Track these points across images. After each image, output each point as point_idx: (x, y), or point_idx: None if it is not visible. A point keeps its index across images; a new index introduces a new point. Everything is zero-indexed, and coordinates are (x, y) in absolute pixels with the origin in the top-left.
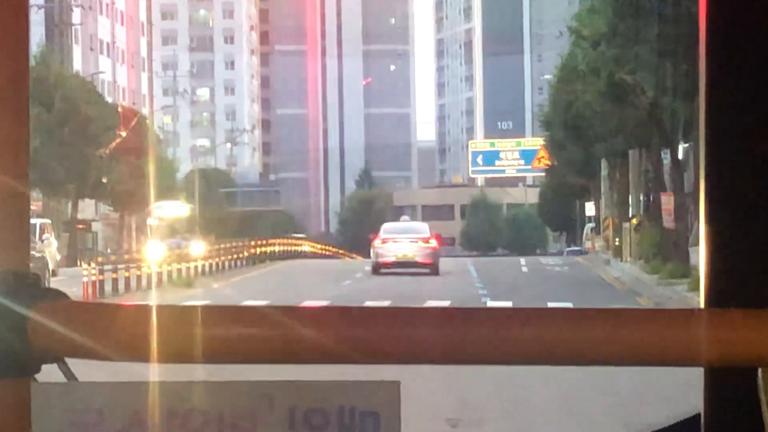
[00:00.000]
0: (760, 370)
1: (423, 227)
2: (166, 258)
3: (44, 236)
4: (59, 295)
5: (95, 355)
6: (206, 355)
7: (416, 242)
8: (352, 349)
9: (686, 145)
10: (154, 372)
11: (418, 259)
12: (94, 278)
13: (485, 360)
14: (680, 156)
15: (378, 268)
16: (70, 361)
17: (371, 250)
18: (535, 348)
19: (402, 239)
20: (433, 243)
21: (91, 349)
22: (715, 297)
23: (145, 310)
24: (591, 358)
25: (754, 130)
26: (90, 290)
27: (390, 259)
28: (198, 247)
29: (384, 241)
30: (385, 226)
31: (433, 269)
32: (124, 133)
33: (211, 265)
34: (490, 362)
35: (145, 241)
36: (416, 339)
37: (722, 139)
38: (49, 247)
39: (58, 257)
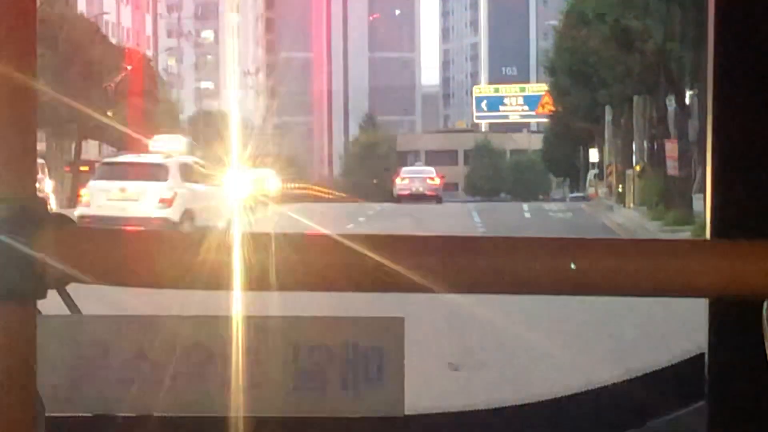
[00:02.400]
0: (765, 303)
1: (430, 170)
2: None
3: (38, 177)
4: (66, 220)
5: (103, 280)
6: (212, 281)
7: (425, 181)
8: (355, 278)
9: (692, 92)
10: (158, 306)
11: (426, 192)
12: None
13: (490, 289)
14: (681, 104)
15: (399, 199)
16: (77, 293)
17: (393, 187)
18: (539, 277)
19: (415, 178)
20: (437, 181)
21: (98, 274)
22: (721, 228)
23: (152, 235)
24: (594, 288)
25: (760, 74)
26: None
27: (407, 192)
28: None
29: (403, 179)
30: (404, 169)
31: (437, 199)
32: (130, 67)
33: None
34: (495, 291)
35: None
36: (423, 267)
37: (729, 82)
38: (41, 189)
39: (53, 198)
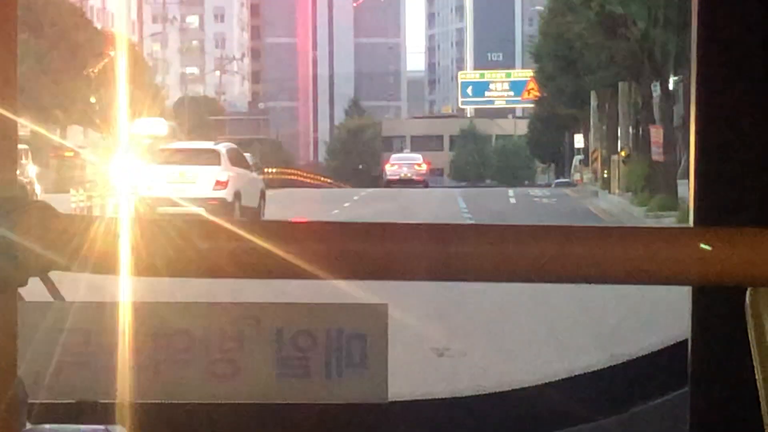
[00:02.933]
0: (748, 291)
1: (418, 157)
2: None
3: (22, 162)
4: (47, 208)
5: (83, 268)
6: (195, 268)
7: (413, 166)
8: (336, 265)
9: (676, 77)
10: (142, 292)
11: (414, 177)
12: (82, 204)
13: (475, 277)
14: (665, 89)
15: (388, 183)
16: (58, 279)
17: (383, 172)
18: (522, 265)
19: (404, 164)
20: (424, 167)
21: (78, 261)
22: (704, 216)
23: (134, 222)
24: (577, 275)
25: (743, 60)
26: None
27: (396, 177)
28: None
29: (392, 165)
30: (393, 156)
31: (424, 184)
32: (113, 53)
33: None
34: (480, 279)
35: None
36: (407, 255)
37: (713, 68)
38: (22, 175)
39: (37, 184)
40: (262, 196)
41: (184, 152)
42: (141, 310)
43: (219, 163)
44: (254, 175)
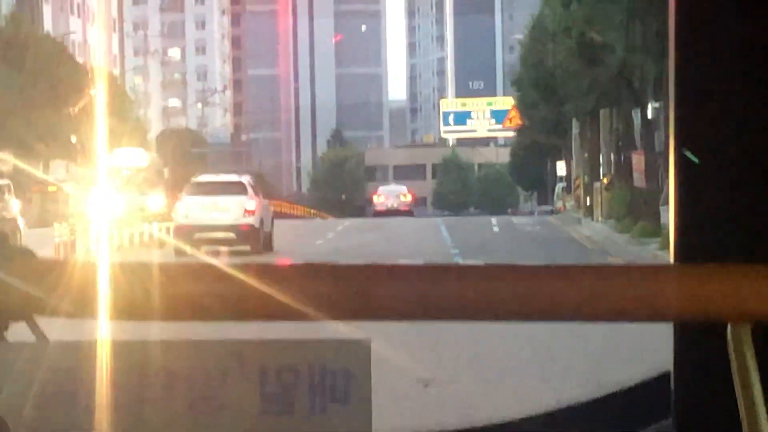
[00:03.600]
0: (729, 325)
1: (403, 188)
2: (130, 216)
3: (5, 197)
4: (27, 253)
5: (63, 313)
6: (173, 312)
7: (398, 197)
8: (322, 307)
9: (657, 104)
10: (123, 331)
11: (400, 208)
12: (66, 239)
13: (457, 316)
14: (650, 116)
15: (376, 213)
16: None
17: (371, 203)
18: (505, 304)
19: (390, 195)
20: (409, 198)
21: (58, 306)
22: (685, 252)
23: (113, 267)
24: (560, 313)
25: (722, 88)
26: (62, 251)
27: (383, 208)
28: (161, 203)
29: (379, 196)
30: (380, 188)
31: (409, 213)
32: (93, 91)
33: None
34: (463, 319)
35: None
36: (388, 296)
37: (691, 97)
38: (5, 210)
39: (21, 219)
40: (272, 221)
41: (214, 184)
42: (123, 348)
43: (246, 193)
44: (266, 202)
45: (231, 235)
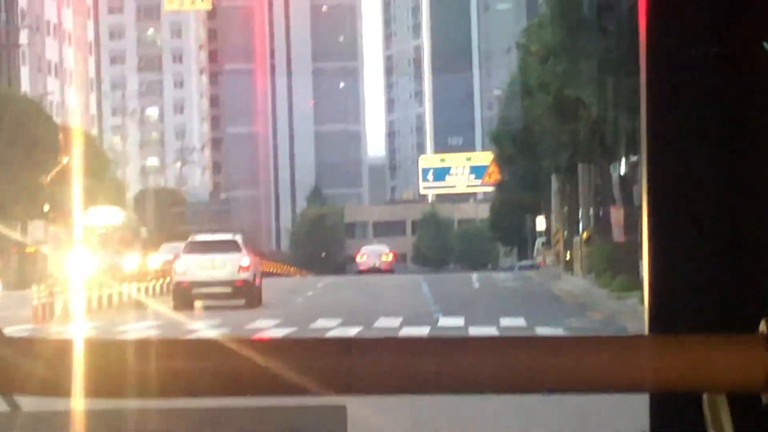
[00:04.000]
0: (705, 395)
1: (385, 248)
2: (109, 277)
3: None
4: None
5: (34, 391)
6: (147, 389)
7: (380, 257)
8: (306, 382)
9: (635, 158)
10: (98, 400)
11: (381, 267)
12: (44, 301)
13: (438, 390)
14: (624, 171)
15: (360, 272)
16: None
17: (355, 262)
18: (483, 377)
19: (372, 255)
20: (390, 257)
21: (30, 385)
22: (659, 322)
23: (80, 344)
24: (536, 385)
25: (693, 153)
26: (40, 313)
27: (366, 267)
28: (137, 263)
29: (362, 256)
30: (363, 248)
31: (390, 271)
32: (66, 159)
33: (161, 286)
34: (443, 392)
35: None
36: (373, 371)
37: (664, 159)
38: None
39: None
40: (261, 277)
41: (210, 243)
42: (99, 417)
43: (240, 251)
44: (257, 259)
45: (227, 290)
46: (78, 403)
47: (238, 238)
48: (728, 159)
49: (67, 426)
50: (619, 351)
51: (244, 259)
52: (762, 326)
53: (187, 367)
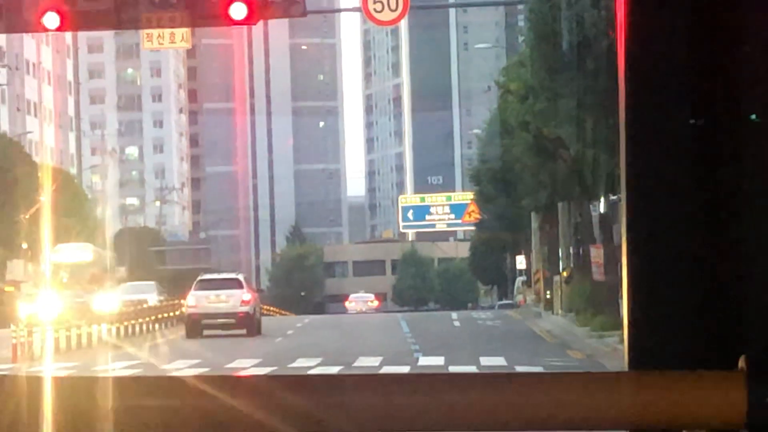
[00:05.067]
0: None
1: (371, 296)
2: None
3: None
4: None
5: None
6: (127, 428)
7: (366, 302)
8: (289, 420)
9: (614, 197)
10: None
11: (367, 311)
12: (23, 340)
13: (422, 427)
14: (604, 209)
15: (351, 313)
16: None
17: (346, 306)
18: (462, 414)
19: (360, 301)
20: (375, 303)
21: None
22: (640, 358)
23: (55, 382)
24: (518, 422)
25: (672, 189)
26: (19, 351)
27: (354, 311)
28: (109, 302)
29: (350, 302)
30: (352, 296)
31: (375, 312)
32: (44, 198)
33: (134, 326)
34: (427, 430)
35: (71, 299)
36: (359, 407)
37: (642, 199)
38: None
39: None
40: (261, 311)
41: (216, 281)
42: None
43: (243, 288)
44: (257, 294)
45: (232, 321)
46: None
47: (241, 276)
48: (708, 199)
49: None
50: (599, 387)
51: (246, 294)
52: (741, 363)
53: (164, 405)
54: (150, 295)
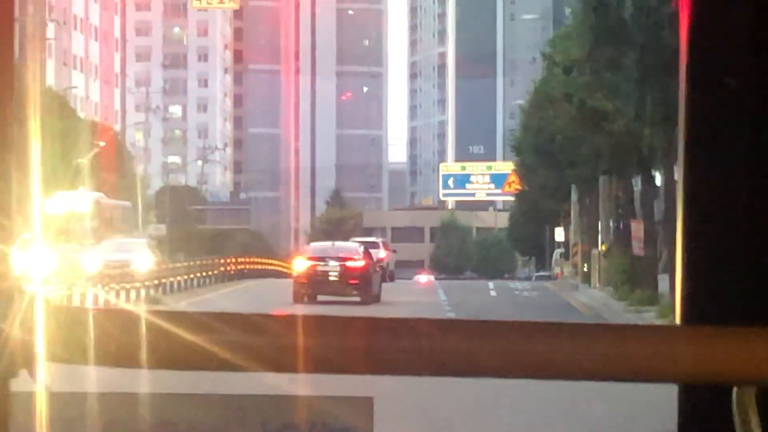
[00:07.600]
0: (735, 389)
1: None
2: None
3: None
4: (36, 298)
5: (74, 360)
6: (179, 361)
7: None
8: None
9: (659, 172)
10: (127, 383)
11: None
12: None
13: (465, 372)
14: (658, 182)
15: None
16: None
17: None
18: (513, 361)
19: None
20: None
21: (69, 353)
22: (691, 314)
23: (125, 315)
24: (565, 372)
25: (731, 157)
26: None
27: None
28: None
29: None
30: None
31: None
32: (102, 143)
33: (178, 283)
34: (471, 375)
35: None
36: (391, 350)
37: (701, 165)
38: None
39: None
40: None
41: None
42: (126, 401)
43: (379, 248)
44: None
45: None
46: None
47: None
48: (765, 165)
49: (92, 407)
50: (651, 340)
51: (382, 252)
52: None
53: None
54: (135, 254)
